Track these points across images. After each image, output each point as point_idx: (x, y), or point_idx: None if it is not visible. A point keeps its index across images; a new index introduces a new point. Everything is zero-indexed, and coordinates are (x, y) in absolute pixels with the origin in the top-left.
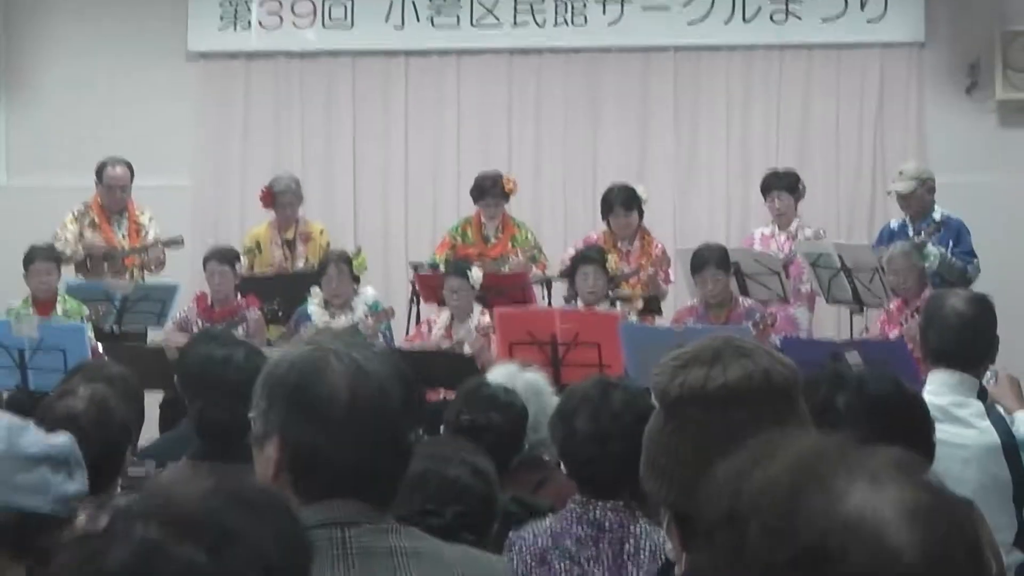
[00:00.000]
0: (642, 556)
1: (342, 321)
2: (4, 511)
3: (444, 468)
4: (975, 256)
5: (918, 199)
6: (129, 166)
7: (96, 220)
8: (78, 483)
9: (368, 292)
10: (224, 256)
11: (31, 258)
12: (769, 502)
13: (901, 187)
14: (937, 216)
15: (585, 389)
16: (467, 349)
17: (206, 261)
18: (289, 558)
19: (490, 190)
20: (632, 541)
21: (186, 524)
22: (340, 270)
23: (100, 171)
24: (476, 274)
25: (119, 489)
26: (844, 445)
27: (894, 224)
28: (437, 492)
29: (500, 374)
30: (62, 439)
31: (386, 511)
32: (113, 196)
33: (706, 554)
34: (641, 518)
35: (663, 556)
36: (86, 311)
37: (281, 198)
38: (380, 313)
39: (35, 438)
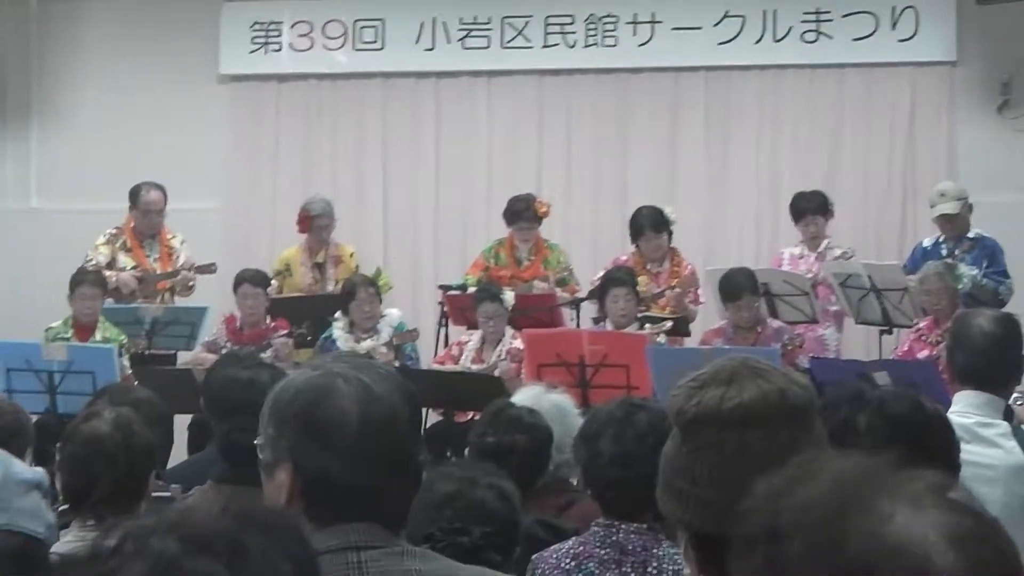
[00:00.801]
0: None
1: (367, 345)
2: (9, 533)
3: (471, 490)
4: (1008, 276)
5: (961, 219)
6: (163, 190)
7: (128, 243)
8: (52, 515)
9: (393, 314)
10: (257, 279)
11: (79, 281)
12: (813, 521)
13: (949, 208)
14: (971, 235)
15: (609, 411)
16: (497, 373)
17: (238, 284)
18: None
19: (523, 213)
20: (655, 564)
21: (202, 540)
22: (369, 293)
23: (135, 195)
24: (509, 297)
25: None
26: (885, 467)
27: (927, 243)
28: (464, 512)
29: (526, 395)
30: (40, 470)
31: (400, 533)
32: (149, 220)
33: (741, 570)
34: (664, 541)
35: None
36: (124, 339)
37: (317, 221)
38: (405, 334)
39: (22, 466)
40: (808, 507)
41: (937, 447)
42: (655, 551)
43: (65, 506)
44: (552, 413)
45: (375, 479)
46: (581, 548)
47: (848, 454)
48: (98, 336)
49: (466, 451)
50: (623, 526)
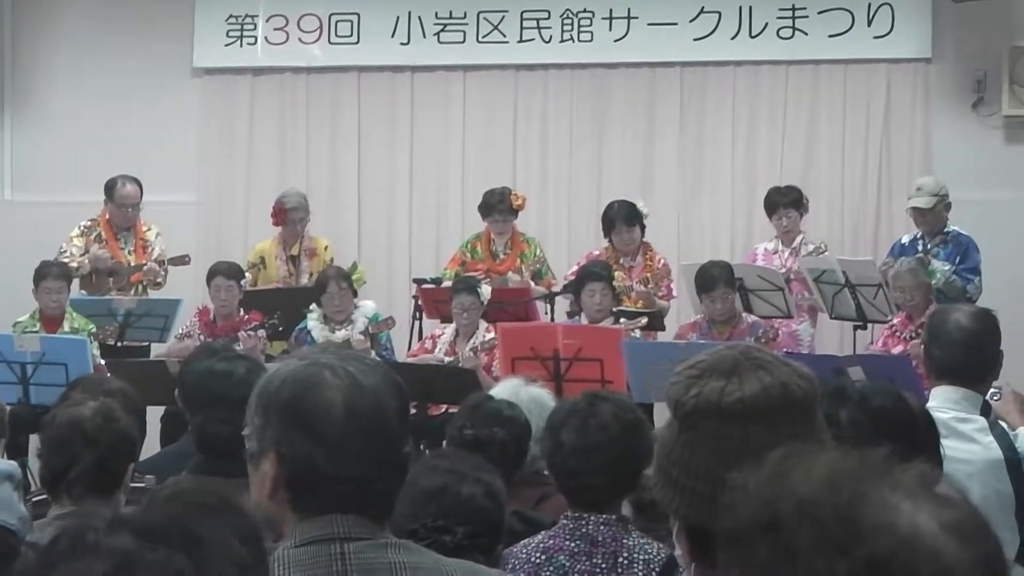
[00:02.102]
0: (636, 569)
1: (342, 335)
2: None
3: (458, 485)
4: (978, 274)
5: (936, 215)
6: (139, 184)
7: (103, 236)
8: (24, 507)
9: (368, 305)
10: (230, 272)
11: (42, 274)
12: (823, 514)
13: (922, 202)
14: (946, 230)
15: (573, 403)
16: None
17: (212, 276)
18: (255, 555)
19: (497, 206)
20: (625, 554)
21: (155, 532)
22: (341, 288)
23: (110, 188)
24: (486, 291)
25: (123, 503)
26: (877, 459)
27: (905, 239)
28: (450, 508)
29: (504, 389)
30: (12, 463)
31: (384, 525)
32: (124, 214)
33: (735, 562)
34: (634, 531)
35: (656, 569)
36: (93, 328)
37: (292, 215)
38: (380, 323)
39: None
40: (810, 500)
41: (920, 440)
42: (625, 541)
43: (41, 495)
44: (530, 406)
45: (361, 471)
46: (551, 541)
47: (830, 447)
48: (66, 327)
49: (443, 444)
50: (592, 518)
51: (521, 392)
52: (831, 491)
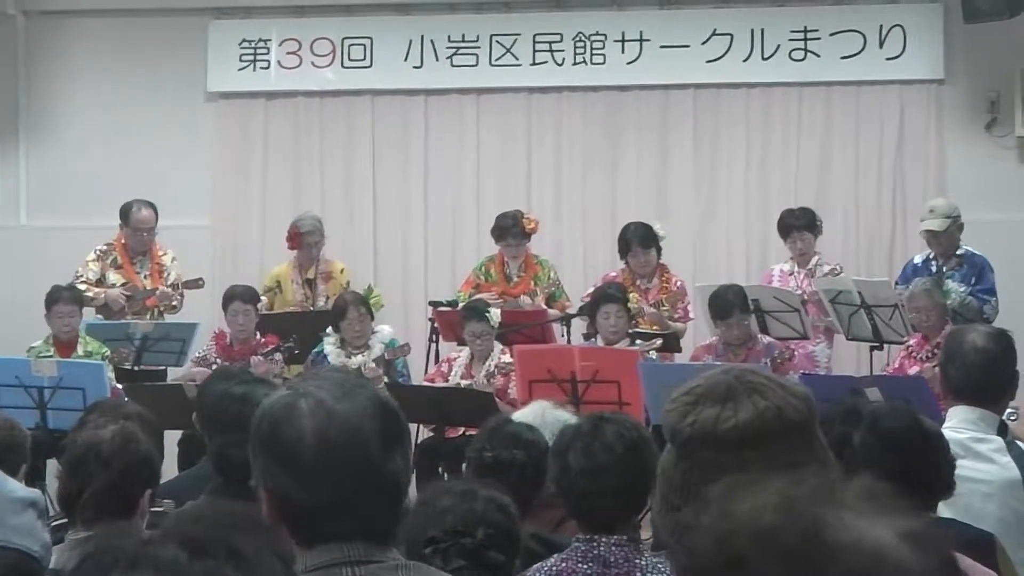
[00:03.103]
0: None
1: (359, 360)
2: (3, 549)
3: (471, 502)
4: (994, 295)
5: (949, 236)
6: (154, 208)
7: (119, 260)
8: (48, 534)
9: (385, 331)
10: (247, 296)
11: (54, 299)
12: (789, 541)
13: (935, 225)
14: (960, 251)
15: (578, 426)
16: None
17: (228, 301)
18: (289, 572)
19: (510, 230)
20: (638, 575)
21: (200, 545)
22: (360, 312)
23: (125, 213)
24: (495, 314)
25: (144, 526)
26: (821, 481)
27: (918, 260)
28: (466, 517)
29: (530, 411)
30: (35, 491)
31: (389, 546)
32: (139, 238)
33: None
34: (646, 552)
35: None
36: (107, 352)
37: (307, 238)
38: (397, 349)
39: (16, 485)
40: (769, 530)
41: (932, 463)
42: (638, 562)
43: (60, 520)
44: (555, 429)
45: (339, 497)
46: (564, 564)
47: (770, 477)
48: (80, 351)
49: (463, 466)
50: (603, 540)
51: (547, 414)
52: (789, 518)
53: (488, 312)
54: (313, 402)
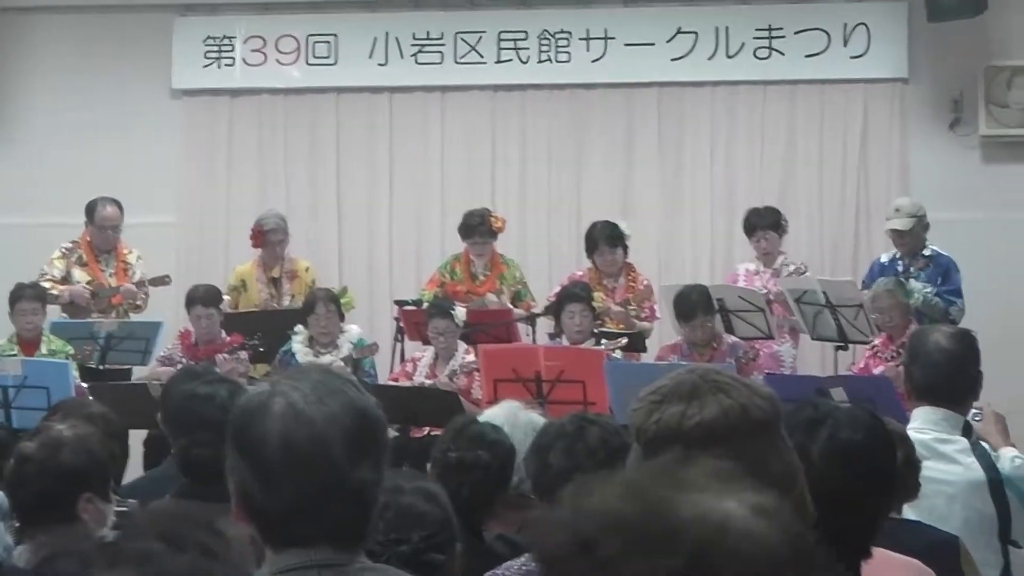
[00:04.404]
0: None
1: (327, 359)
2: None
3: (398, 498)
4: (960, 296)
5: (914, 236)
6: (120, 205)
7: (84, 258)
8: (10, 537)
9: (353, 330)
10: (208, 299)
11: (17, 296)
12: (635, 521)
13: (900, 224)
14: (927, 252)
15: (561, 425)
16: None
17: (190, 304)
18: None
19: (477, 228)
20: None
21: (177, 539)
22: (328, 309)
23: (91, 210)
24: (460, 313)
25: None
26: (666, 464)
27: (884, 259)
28: (397, 521)
29: (500, 412)
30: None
31: (358, 550)
32: (104, 236)
33: None
34: None
35: None
36: (71, 350)
37: (271, 236)
38: (365, 348)
39: None
40: (615, 513)
41: (894, 470)
42: None
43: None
44: (526, 431)
45: (303, 503)
46: (533, 564)
47: (615, 474)
48: (43, 350)
49: (427, 465)
50: None
51: (520, 415)
52: (634, 501)
53: (453, 310)
54: (284, 403)
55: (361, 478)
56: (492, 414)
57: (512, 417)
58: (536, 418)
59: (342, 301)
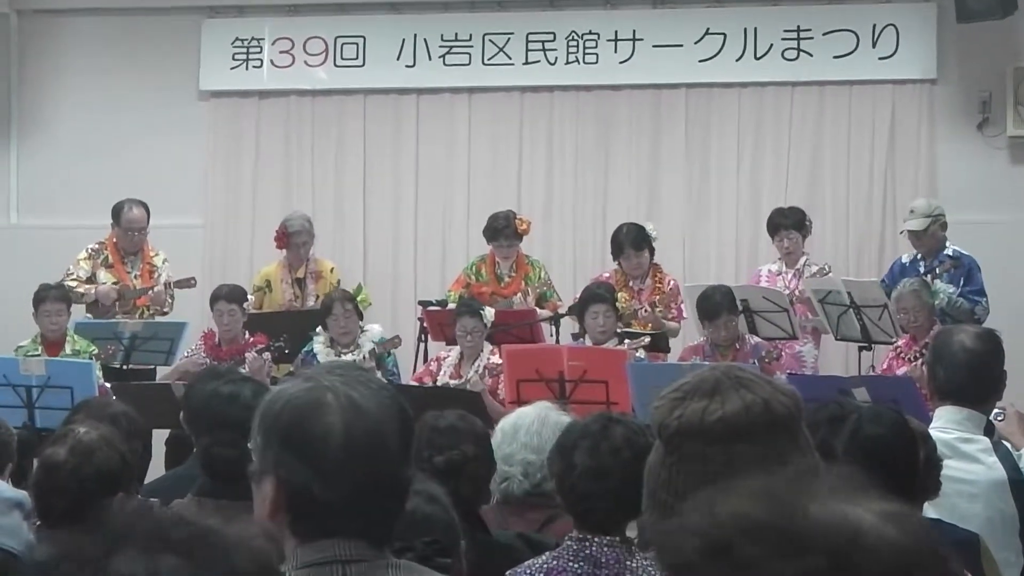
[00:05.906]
0: None
1: (348, 359)
2: None
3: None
4: (984, 295)
5: (931, 236)
6: (146, 208)
7: (110, 259)
8: (33, 535)
9: (375, 329)
10: (232, 295)
11: (41, 298)
12: (772, 524)
13: (914, 225)
14: (950, 252)
15: (585, 424)
16: (469, 387)
17: (214, 301)
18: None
19: (503, 230)
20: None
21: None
22: (346, 309)
23: (117, 212)
24: (489, 313)
25: None
26: (799, 471)
27: (905, 259)
28: (402, 527)
29: (531, 412)
30: (23, 492)
31: (384, 548)
32: (130, 238)
33: None
34: (638, 553)
35: None
36: (95, 350)
37: (295, 238)
38: (387, 342)
39: (3, 485)
40: (752, 517)
41: (915, 467)
42: (629, 563)
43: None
44: (555, 431)
45: (358, 496)
46: (554, 563)
47: (751, 475)
48: (68, 350)
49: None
50: (596, 539)
51: (551, 416)
52: (770, 505)
53: (483, 310)
54: (344, 396)
55: (407, 474)
56: (523, 413)
57: (543, 419)
58: (566, 419)
59: (358, 299)
